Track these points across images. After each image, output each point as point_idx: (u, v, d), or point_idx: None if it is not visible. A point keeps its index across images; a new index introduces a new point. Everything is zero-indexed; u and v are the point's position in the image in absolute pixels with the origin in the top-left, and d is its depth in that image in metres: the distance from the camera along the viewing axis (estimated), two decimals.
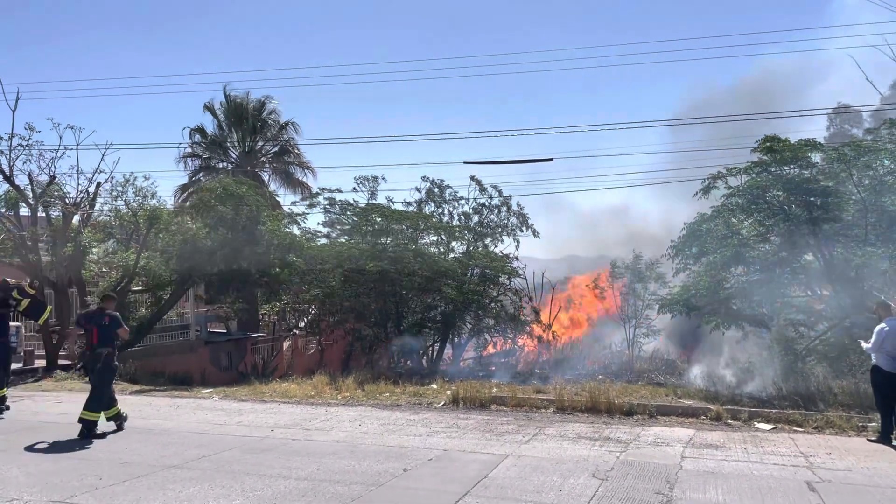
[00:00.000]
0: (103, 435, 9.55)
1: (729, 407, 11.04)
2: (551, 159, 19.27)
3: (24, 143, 16.80)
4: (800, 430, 10.09)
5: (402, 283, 17.86)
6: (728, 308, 14.01)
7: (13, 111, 17.44)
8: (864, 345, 9.51)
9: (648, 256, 20.94)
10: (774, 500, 6.54)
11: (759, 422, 10.53)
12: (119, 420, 9.97)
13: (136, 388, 14.77)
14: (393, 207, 20.92)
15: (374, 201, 23.58)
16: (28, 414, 11.41)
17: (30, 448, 8.71)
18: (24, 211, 17.86)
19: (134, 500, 6.26)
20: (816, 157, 14.96)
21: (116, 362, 10.11)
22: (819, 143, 14.71)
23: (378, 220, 19.36)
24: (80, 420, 9.55)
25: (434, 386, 13.85)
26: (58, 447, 8.76)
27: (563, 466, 7.68)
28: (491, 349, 22.99)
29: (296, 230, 21.37)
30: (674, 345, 22.66)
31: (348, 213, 22.79)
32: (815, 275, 14.36)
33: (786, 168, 14.59)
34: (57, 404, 12.51)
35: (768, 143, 14.77)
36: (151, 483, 6.85)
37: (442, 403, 12.12)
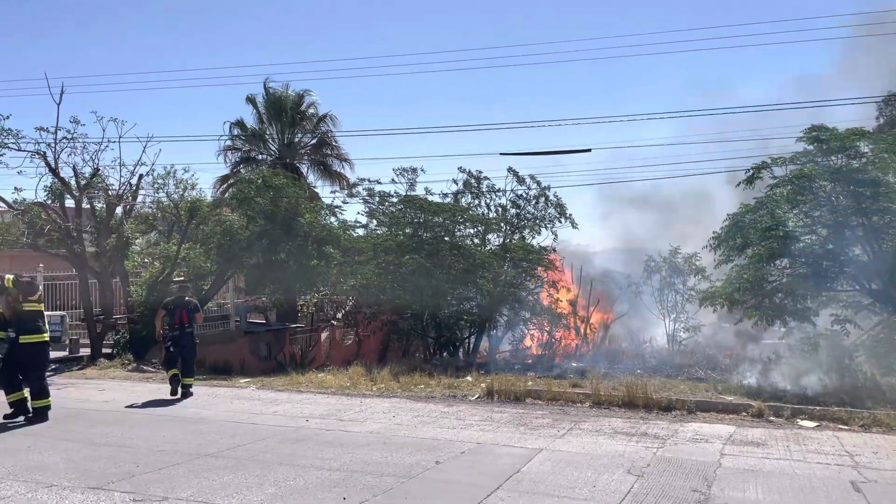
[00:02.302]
0: (192, 394, 12.26)
1: (771, 403, 10.76)
2: (589, 150, 19.03)
3: (70, 136, 17.13)
4: (845, 427, 9.78)
5: (438, 275, 17.81)
6: (771, 302, 13.63)
7: (58, 104, 17.77)
8: None
9: (688, 249, 20.53)
10: (817, 501, 6.33)
11: (802, 419, 10.24)
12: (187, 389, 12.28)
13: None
14: (430, 199, 20.84)
15: (412, 192, 23.55)
16: (71, 401, 11.66)
17: (70, 435, 8.89)
18: (68, 203, 18.23)
19: (168, 487, 6.33)
20: (865, 147, 14.46)
21: (197, 339, 12.93)
22: (867, 131, 14.21)
23: (416, 212, 19.32)
24: (183, 385, 12.12)
25: (469, 378, 13.78)
26: (98, 434, 8.92)
27: (597, 462, 7.56)
28: (529, 342, 22.82)
29: (333, 221, 21.46)
30: (718, 339, 22.21)
31: (387, 204, 22.80)
32: (863, 268, 13.90)
33: (833, 157, 14.14)
34: (100, 392, 12.79)
35: (815, 132, 14.32)
36: (186, 471, 6.93)
37: (476, 396, 12.06)
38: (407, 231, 19.30)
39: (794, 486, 6.77)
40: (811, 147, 14.49)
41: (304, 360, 23.18)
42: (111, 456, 7.61)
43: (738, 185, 14.72)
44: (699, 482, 6.81)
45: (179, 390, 12.10)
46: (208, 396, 12.28)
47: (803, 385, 13.54)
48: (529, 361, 20.29)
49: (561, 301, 21.90)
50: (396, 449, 8.07)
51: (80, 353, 17.95)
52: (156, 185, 19.56)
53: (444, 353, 20.65)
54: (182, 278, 20.31)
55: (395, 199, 20.49)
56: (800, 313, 13.28)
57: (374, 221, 23.62)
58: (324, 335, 27.03)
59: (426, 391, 12.63)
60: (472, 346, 21.87)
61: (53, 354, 16.23)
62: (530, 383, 12.78)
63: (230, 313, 24.25)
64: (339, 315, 25.80)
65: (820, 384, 13.38)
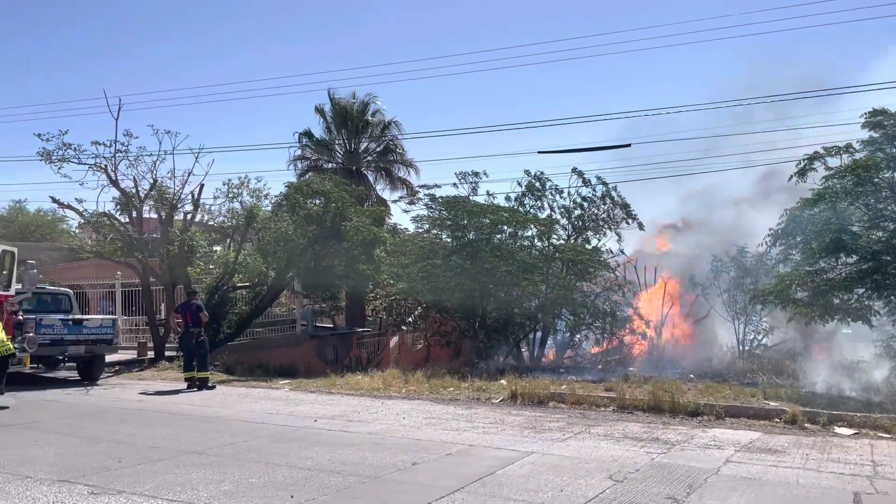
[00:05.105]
0: (213, 386, 13.75)
1: (807, 409, 9.94)
2: (629, 145, 18.32)
3: (123, 147, 18.02)
4: (886, 436, 8.94)
5: (479, 278, 17.52)
6: (827, 301, 12.64)
7: (116, 119, 18.71)
8: None
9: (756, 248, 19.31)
10: None
11: (839, 426, 9.43)
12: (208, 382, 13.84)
13: (222, 377, 15.44)
14: (477, 201, 20.48)
15: (474, 196, 23.31)
16: (107, 400, 12.19)
17: (80, 431, 9.22)
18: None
19: (132, 482, 6.43)
20: None
21: (204, 336, 14.21)
22: None
23: (462, 215, 19.09)
24: (198, 379, 13.64)
25: (503, 382, 13.49)
26: (106, 431, 9.21)
27: (583, 466, 7.18)
28: (595, 349, 22.13)
29: (384, 225, 21.55)
30: (797, 343, 20.85)
31: (443, 211, 22.67)
32: None
33: None
34: (141, 392, 13.28)
35: (879, 117, 13.22)
36: (160, 467, 7.03)
37: (500, 399, 11.78)
38: (456, 233, 19.13)
39: (786, 495, 6.20)
40: (876, 134, 13.41)
41: (370, 364, 23.38)
42: (104, 451, 7.84)
43: (791, 178, 13.76)
44: (681, 489, 6.34)
45: (196, 383, 13.70)
46: (238, 396, 12.55)
47: (873, 391, 12.56)
48: (600, 367, 19.64)
49: (623, 305, 21.09)
50: (383, 450, 7.94)
51: (149, 356, 18.84)
52: (231, 195, 20.23)
53: (508, 358, 20.24)
54: (244, 284, 21.11)
55: (440, 202, 20.25)
56: (856, 312, 12.25)
57: (436, 228, 23.59)
58: (393, 340, 27.21)
59: (453, 394, 12.46)
60: (537, 350, 21.37)
61: (117, 357, 17.14)
62: (564, 387, 12.37)
63: (297, 318, 24.88)
64: (409, 319, 25.84)
65: (891, 391, 12.38)
